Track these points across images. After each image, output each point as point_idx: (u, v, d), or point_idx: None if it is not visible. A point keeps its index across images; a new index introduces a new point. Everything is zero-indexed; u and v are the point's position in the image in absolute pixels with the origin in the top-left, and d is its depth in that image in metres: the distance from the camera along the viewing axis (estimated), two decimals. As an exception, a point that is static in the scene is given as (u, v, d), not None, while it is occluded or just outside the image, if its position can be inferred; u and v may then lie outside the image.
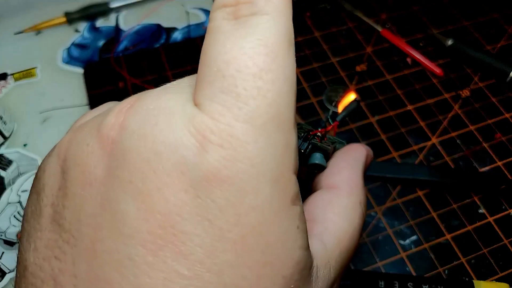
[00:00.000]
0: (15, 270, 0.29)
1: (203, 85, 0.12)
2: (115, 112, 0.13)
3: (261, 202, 0.11)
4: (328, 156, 0.19)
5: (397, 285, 0.26)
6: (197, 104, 0.12)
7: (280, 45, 0.12)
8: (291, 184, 0.12)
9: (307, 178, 0.19)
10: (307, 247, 0.13)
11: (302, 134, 0.19)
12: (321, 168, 0.19)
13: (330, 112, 0.21)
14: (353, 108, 0.21)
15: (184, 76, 0.14)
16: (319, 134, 0.19)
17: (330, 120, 0.20)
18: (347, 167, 0.19)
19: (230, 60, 0.12)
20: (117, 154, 0.12)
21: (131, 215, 0.11)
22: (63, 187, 0.12)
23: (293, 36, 0.13)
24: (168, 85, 0.14)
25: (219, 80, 0.12)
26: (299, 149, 0.18)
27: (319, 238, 0.15)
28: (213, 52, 0.12)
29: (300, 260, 0.12)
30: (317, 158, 0.18)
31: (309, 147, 0.19)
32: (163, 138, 0.11)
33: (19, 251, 0.13)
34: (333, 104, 0.36)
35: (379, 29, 0.41)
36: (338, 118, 0.21)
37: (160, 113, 0.12)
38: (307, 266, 0.13)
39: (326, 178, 0.18)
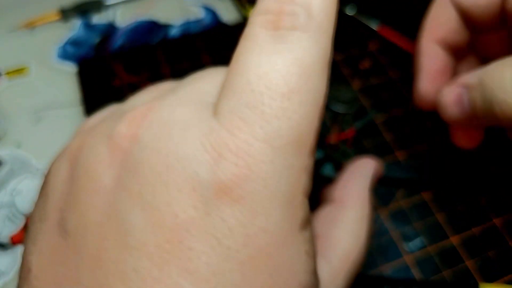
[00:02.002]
0: (9, 273, 0.29)
1: (228, 94, 0.12)
2: (127, 121, 0.12)
3: (272, 224, 0.11)
4: (339, 168, 0.19)
5: (401, 290, 0.26)
6: (217, 113, 0.12)
7: (315, 67, 0.12)
8: (303, 208, 0.12)
9: (315, 190, 0.19)
10: (314, 271, 0.13)
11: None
12: (330, 181, 0.19)
13: (337, 116, 0.21)
14: (368, 120, 0.21)
15: (181, 74, 0.14)
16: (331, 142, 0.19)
17: (343, 127, 0.20)
18: (353, 182, 0.18)
19: (262, 75, 0.11)
20: (128, 165, 0.12)
21: (138, 227, 0.11)
22: (71, 193, 0.12)
23: (330, 57, 0.12)
24: (182, 92, 0.13)
25: (247, 93, 0.11)
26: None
27: (324, 256, 0.15)
28: (246, 61, 0.12)
29: (306, 284, 0.12)
30: (328, 169, 0.18)
31: (323, 156, 0.18)
32: (176, 152, 0.11)
33: (23, 252, 0.13)
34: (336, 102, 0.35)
35: (375, 27, 0.40)
36: (357, 127, 0.20)
37: (175, 126, 0.12)
38: None
39: (332, 192, 0.18)
